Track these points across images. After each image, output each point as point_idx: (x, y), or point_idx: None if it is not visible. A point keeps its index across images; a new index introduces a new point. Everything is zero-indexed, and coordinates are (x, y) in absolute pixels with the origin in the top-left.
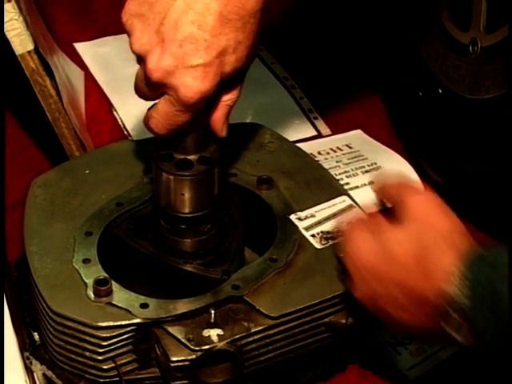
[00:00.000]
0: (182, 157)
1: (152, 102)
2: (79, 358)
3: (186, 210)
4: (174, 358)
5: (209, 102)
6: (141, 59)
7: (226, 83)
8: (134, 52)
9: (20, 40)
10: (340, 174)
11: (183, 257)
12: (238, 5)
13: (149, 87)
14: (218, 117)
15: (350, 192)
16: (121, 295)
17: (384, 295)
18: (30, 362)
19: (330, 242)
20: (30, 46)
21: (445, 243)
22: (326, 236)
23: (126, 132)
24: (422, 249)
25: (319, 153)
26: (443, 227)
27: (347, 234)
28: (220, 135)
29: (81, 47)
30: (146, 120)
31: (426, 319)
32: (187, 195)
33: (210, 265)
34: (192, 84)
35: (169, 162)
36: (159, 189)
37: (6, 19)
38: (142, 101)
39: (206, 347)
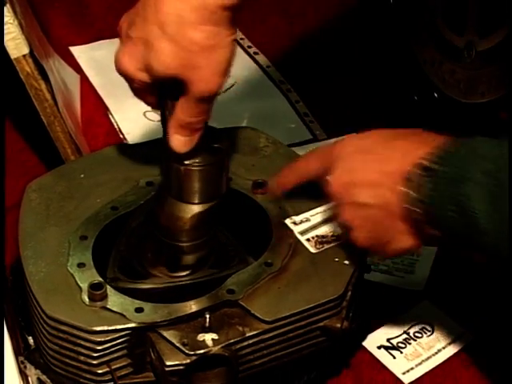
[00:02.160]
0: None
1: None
2: (74, 363)
3: (197, 201)
4: (168, 363)
5: None
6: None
7: None
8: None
9: (15, 44)
10: None
11: (187, 268)
12: None
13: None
14: None
15: None
16: (115, 299)
17: (359, 178)
18: (25, 367)
19: (325, 247)
20: (25, 50)
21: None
22: (321, 240)
23: (121, 136)
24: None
25: None
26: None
27: None
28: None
29: (76, 51)
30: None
31: (393, 202)
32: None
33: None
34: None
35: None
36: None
37: None
38: (137, 104)
39: (201, 352)
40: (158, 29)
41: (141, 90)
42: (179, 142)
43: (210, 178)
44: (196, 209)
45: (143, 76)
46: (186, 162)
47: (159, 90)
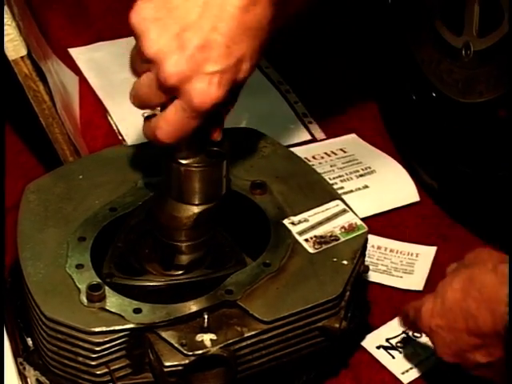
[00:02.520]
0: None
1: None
2: (72, 364)
3: (198, 201)
4: (167, 363)
5: None
6: (151, 63)
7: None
8: (146, 55)
9: (13, 45)
10: (334, 178)
11: (185, 267)
12: (258, 13)
13: (158, 93)
14: (218, 123)
15: (345, 196)
16: (114, 300)
17: (463, 344)
18: (24, 368)
19: (324, 247)
20: (23, 52)
21: (490, 274)
22: (319, 240)
23: (120, 137)
24: (472, 285)
25: (314, 157)
26: (486, 261)
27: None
28: (216, 139)
29: (75, 52)
30: (151, 130)
31: (502, 352)
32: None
33: (210, 267)
34: (208, 90)
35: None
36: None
37: None
38: None
39: (200, 352)
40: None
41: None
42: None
43: (209, 179)
44: (195, 209)
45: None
46: (187, 163)
47: None
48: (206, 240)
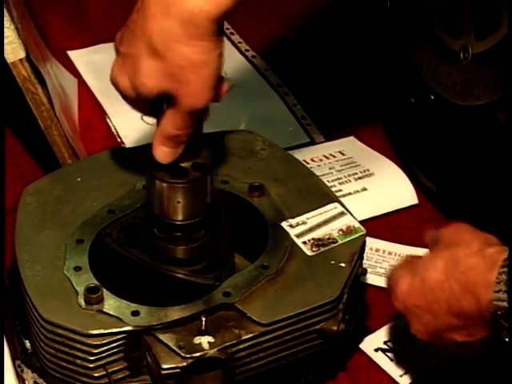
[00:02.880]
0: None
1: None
2: (70, 366)
3: (181, 218)
4: (164, 366)
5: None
6: None
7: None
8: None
9: (11, 48)
10: (333, 180)
11: (176, 264)
12: None
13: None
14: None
15: (343, 199)
16: (112, 303)
17: (442, 325)
18: (22, 370)
19: (322, 249)
20: (22, 54)
21: (476, 258)
22: (317, 243)
23: (119, 140)
24: (456, 267)
25: (312, 160)
26: (470, 242)
27: (391, 280)
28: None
29: (74, 55)
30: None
31: (484, 333)
32: (183, 202)
33: (201, 271)
34: (114, 68)
35: (163, 170)
36: (153, 197)
37: None
38: None
39: (197, 354)
40: (144, 45)
41: (135, 102)
42: (164, 153)
43: (192, 195)
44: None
45: (132, 93)
46: (167, 179)
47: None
48: (195, 246)
